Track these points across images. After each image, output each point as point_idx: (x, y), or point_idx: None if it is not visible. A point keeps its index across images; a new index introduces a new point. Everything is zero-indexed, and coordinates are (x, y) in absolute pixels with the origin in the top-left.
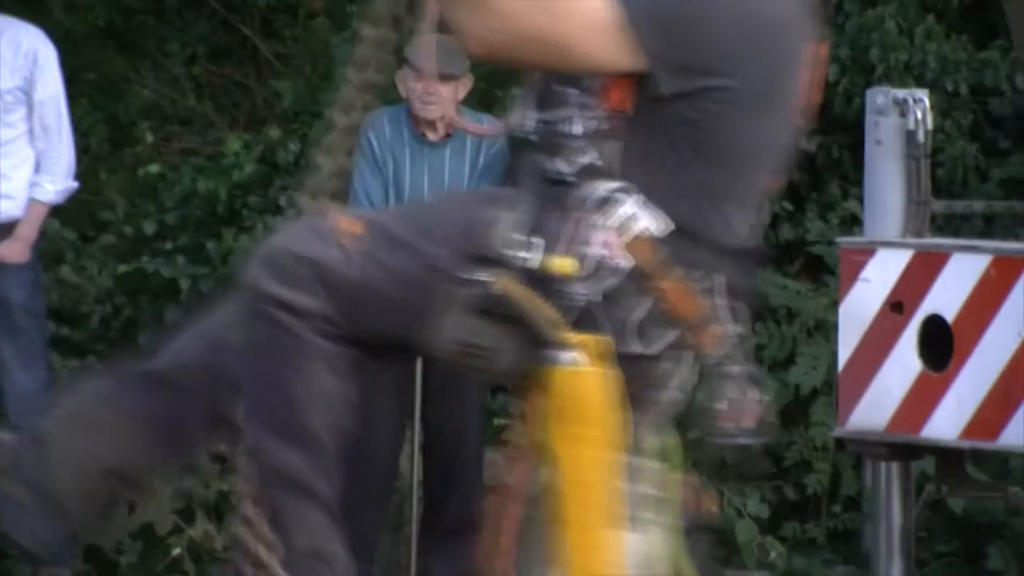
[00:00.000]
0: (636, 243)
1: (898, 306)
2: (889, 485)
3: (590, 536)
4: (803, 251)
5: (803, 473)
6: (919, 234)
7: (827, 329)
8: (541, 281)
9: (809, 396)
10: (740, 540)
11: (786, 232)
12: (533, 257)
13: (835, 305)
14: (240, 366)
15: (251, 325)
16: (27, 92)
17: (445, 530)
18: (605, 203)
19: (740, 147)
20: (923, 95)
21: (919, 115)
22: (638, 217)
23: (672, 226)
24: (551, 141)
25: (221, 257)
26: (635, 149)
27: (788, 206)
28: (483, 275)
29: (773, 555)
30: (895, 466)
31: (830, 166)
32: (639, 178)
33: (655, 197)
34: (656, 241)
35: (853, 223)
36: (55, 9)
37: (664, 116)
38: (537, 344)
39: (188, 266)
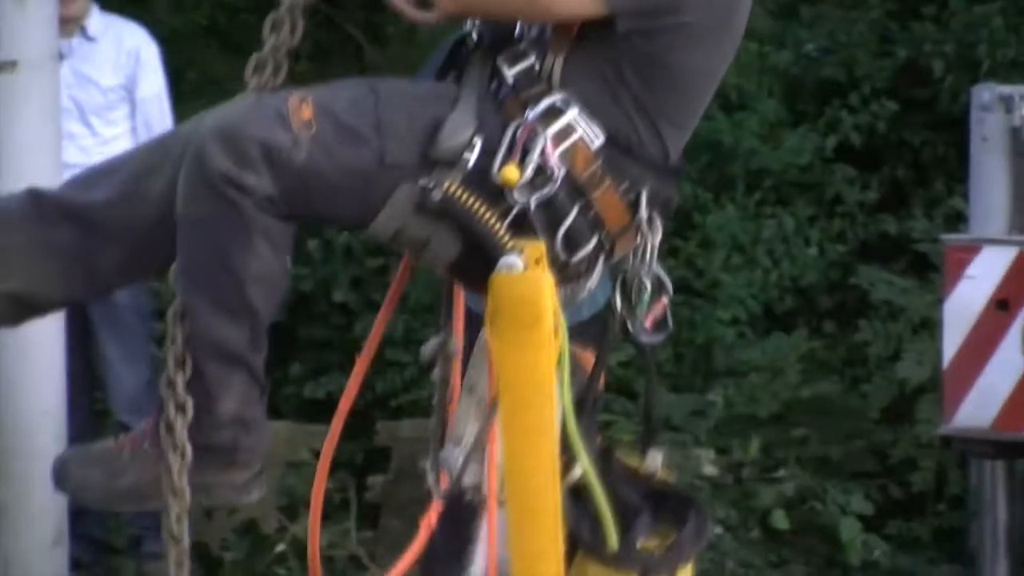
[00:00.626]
0: (572, 152)
1: (1003, 303)
2: (995, 483)
3: (524, 442)
4: (908, 248)
5: (908, 471)
6: None
7: (932, 326)
8: (482, 185)
9: (914, 393)
10: (844, 538)
11: (891, 229)
12: (476, 160)
13: (940, 302)
14: (180, 233)
15: (196, 196)
16: (130, 90)
17: None
18: (547, 112)
19: (685, 75)
20: None
21: None
22: (576, 127)
23: (606, 138)
24: (493, 39)
25: (322, 257)
26: (578, 62)
27: (894, 203)
28: (429, 174)
29: (877, 553)
30: (1000, 464)
31: (935, 163)
32: (579, 89)
33: (593, 109)
34: (591, 152)
35: (958, 220)
36: (159, 8)
37: (614, 42)
38: (476, 246)
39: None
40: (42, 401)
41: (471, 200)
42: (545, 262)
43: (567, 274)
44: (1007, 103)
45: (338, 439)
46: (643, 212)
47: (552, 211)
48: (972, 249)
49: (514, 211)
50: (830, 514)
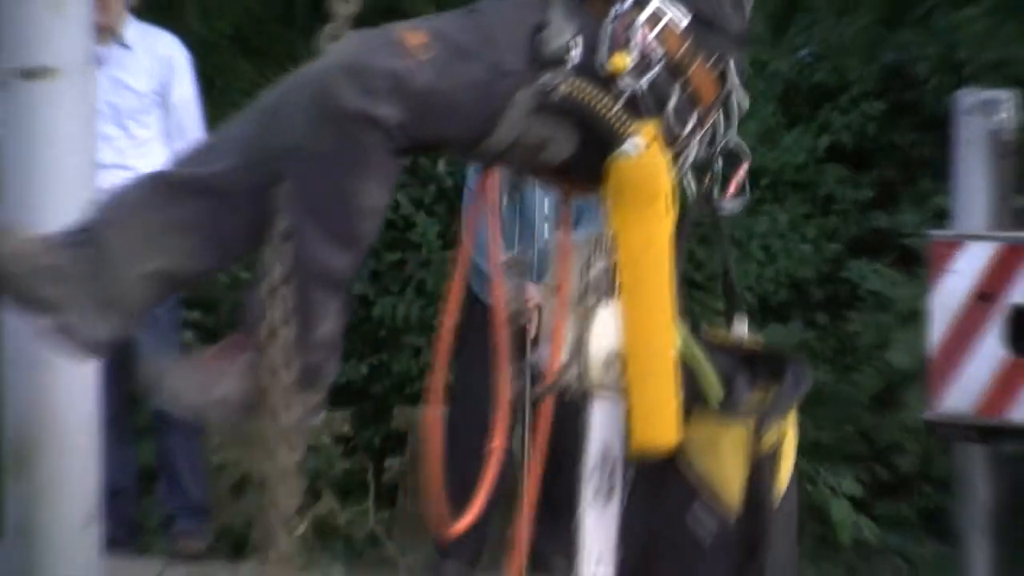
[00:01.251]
0: (665, 34)
1: (985, 296)
2: (977, 466)
3: (645, 309)
4: (897, 243)
5: (896, 454)
6: (1005, 228)
7: (919, 317)
8: (591, 77)
9: (902, 381)
10: (835, 518)
11: (882, 224)
12: (581, 56)
13: (926, 294)
14: (296, 163)
15: (319, 131)
16: (163, 95)
17: (556, 511)
18: (635, 2)
19: None
20: (1009, 95)
21: (1004, 115)
22: (664, 11)
23: (692, 16)
24: None
25: None
26: None
27: (884, 200)
28: (546, 76)
29: (867, 532)
30: (983, 448)
31: (922, 163)
32: None
33: None
34: (680, 31)
35: (944, 216)
36: (190, 17)
37: None
38: (592, 139)
39: None
40: (75, 379)
41: (588, 93)
42: (658, 142)
43: (672, 153)
44: (988, 107)
45: (356, 424)
46: (731, 83)
47: (657, 93)
48: (956, 244)
49: (624, 97)
50: (822, 495)
